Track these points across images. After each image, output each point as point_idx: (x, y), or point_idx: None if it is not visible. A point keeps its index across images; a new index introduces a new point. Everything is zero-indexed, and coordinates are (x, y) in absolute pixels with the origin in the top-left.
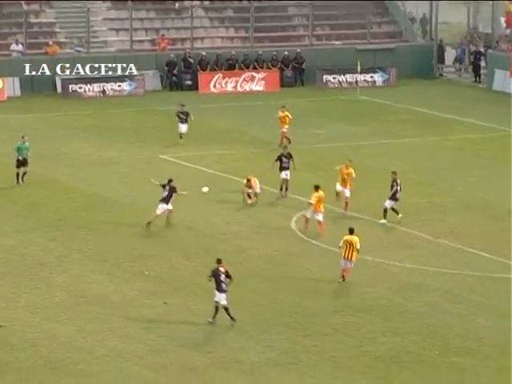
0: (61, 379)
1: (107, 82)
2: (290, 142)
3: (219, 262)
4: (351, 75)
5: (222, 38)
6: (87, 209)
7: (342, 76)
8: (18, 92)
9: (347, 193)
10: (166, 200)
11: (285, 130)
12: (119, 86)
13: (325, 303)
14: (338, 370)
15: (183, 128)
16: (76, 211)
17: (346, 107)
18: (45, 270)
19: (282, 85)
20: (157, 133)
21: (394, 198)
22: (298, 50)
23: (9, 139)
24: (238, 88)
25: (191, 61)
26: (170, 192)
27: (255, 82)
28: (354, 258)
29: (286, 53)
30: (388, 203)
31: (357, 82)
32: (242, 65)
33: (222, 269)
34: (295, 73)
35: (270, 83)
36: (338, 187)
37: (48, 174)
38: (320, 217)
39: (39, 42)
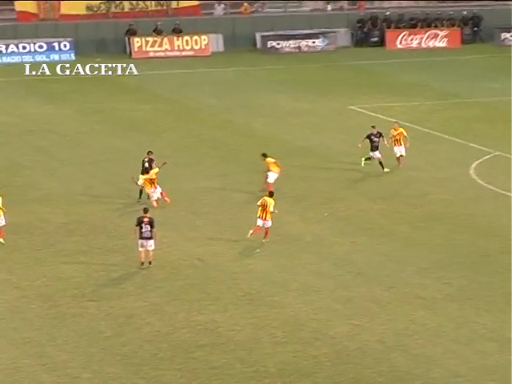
0: (257, 309)
1: (303, 39)
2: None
3: (146, 211)
4: None
5: None
6: (282, 156)
7: None
8: (221, 47)
9: (402, 150)
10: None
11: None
12: (313, 42)
13: (498, 244)
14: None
15: (376, 154)
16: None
17: None
18: (243, 210)
19: (462, 42)
20: (345, 86)
21: None
22: (475, 10)
23: (212, 92)
24: (422, 44)
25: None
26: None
27: (438, 39)
28: (267, 218)
29: (464, 12)
30: None
31: None
32: (423, 23)
33: (146, 219)
34: (474, 31)
35: (452, 40)
36: (396, 150)
37: (248, 124)
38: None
39: (238, 2)
